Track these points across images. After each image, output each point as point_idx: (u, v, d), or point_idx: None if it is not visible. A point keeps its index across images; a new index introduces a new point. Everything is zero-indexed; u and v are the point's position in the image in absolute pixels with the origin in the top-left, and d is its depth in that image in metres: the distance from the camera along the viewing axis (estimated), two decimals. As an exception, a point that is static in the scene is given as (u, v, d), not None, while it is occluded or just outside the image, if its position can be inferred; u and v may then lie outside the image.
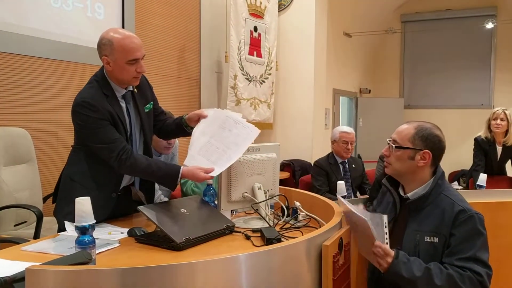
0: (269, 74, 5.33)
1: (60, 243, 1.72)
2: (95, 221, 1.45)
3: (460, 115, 7.91)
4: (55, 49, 3.35)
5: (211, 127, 2.11)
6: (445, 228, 1.68)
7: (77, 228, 1.41)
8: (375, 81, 8.99)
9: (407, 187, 1.84)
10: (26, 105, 3.18)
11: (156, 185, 2.73)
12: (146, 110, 2.19)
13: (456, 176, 5.30)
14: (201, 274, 1.28)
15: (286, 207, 2.08)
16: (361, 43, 8.08)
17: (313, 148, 5.55)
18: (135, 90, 2.13)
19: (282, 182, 3.91)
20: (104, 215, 2.00)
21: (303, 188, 3.65)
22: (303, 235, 1.76)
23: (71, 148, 2.13)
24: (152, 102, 2.23)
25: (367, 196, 2.91)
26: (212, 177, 1.98)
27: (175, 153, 3.06)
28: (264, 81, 5.25)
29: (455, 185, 4.97)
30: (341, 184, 2.88)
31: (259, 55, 5.18)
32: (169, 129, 2.30)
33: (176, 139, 3.00)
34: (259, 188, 2.09)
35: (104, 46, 1.97)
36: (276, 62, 5.44)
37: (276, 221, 2.01)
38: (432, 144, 1.78)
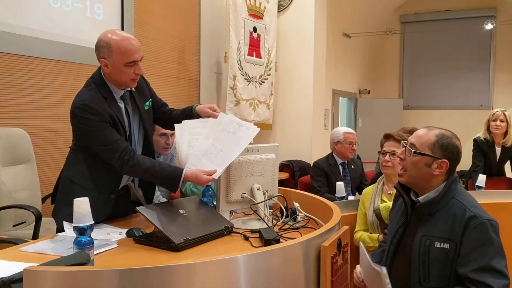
0: (269, 74, 5.33)
1: (58, 243, 1.71)
2: (93, 222, 1.45)
3: (459, 116, 7.92)
4: (54, 50, 3.35)
5: (213, 131, 2.11)
6: (456, 234, 1.64)
7: (75, 228, 1.42)
8: (374, 81, 9.00)
9: (420, 193, 1.81)
10: (25, 106, 3.17)
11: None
12: (146, 108, 2.19)
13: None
14: (200, 275, 1.28)
15: (285, 208, 2.08)
16: (360, 43, 8.09)
17: (312, 149, 5.55)
18: (133, 89, 2.13)
19: (281, 182, 3.91)
20: (103, 216, 2.00)
21: (302, 188, 3.65)
22: (301, 236, 1.76)
23: (70, 149, 2.13)
24: (151, 99, 2.23)
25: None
26: (214, 179, 1.98)
27: (174, 154, 3.05)
28: (263, 82, 5.25)
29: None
30: (340, 185, 2.90)
31: (259, 55, 5.18)
32: (177, 120, 2.24)
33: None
34: (258, 189, 2.09)
35: (102, 48, 1.95)
36: (276, 62, 5.44)
37: (275, 222, 2.01)
38: (451, 154, 1.74)
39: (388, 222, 2.11)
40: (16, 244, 1.84)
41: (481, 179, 3.34)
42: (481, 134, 4.19)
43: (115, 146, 1.94)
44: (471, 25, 8.01)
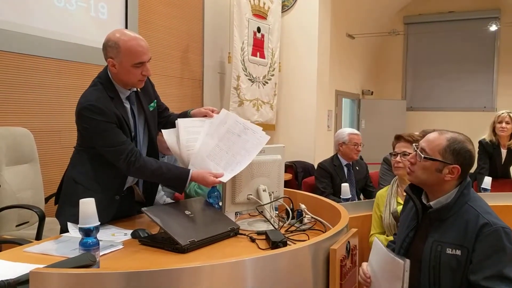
0: (272, 75, 5.31)
1: (63, 244, 1.70)
2: (99, 223, 1.43)
3: (463, 117, 7.89)
4: (58, 49, 3.33)
5: (218, 131, 2.09)
6: (469, 241, 1.61)
7: (81, 229, 1.40)
8: (377, 83, 8.98)
9: (431, 196, 1.77)
10: (29, 105, 3.16)
11: (159, 186, 2.72)
12: (151, 109, 2.17)
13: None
14: (207, 278, 1.26)
15: (291, 209, 2.06)
16: (364, 44, 8.07)
17: (316, 150, 5.53)
18: (139, 89, 2.11)
19: (285, 183, 3.88)
20: (107, 217, 1.98)
21: (307, 190, 3.63)
22: (308, 238, 1.74)
23: (74, 149, 2.11)
24: (155, 100, 2.21)
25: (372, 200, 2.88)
26: (220, 182, 1.96)
27: None
28: (267, 82, 5.24)
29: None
30: (345, 186, 2.87)
31: (262, 56, 5.17)
32: (173, 125, 2.26)
33: None
34: (264, 190, 2.07)
35: (110, 48, 1.93)
36: (279, 63, 5.42)
37: (281, 223, 1.99)
38: (463, 159, 1.68)
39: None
40: (20, 244, 1.83)
41: (487, 181, 3.31)
42: (486, 136, 4.16)
43: (121, 148, 1.92)
44: (475, 26, 7.98)
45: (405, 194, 2.48)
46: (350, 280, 1.51)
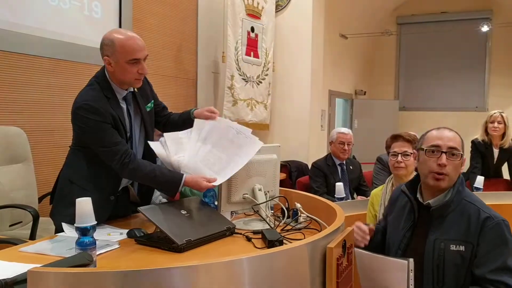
0: (266, 75, 5.32)
1: (58, 244, 1.69)
2: (96, 222, 1.43)
3: (455, 117, 7.93)
4: (52, 48, 3.31)
5: (212, 136, 2.08)
6: (472, 236, 1.65)
7: (78, 229, 1.39)
8: (370, 83, 9.01)
9: (429, 194, 1.79)
10: (22, 104, 3.14)
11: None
12: (148, 110, 2.17)
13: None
14: (204, 277, 1.26)
15: (286, 208, 2.07)
16: (357, 44, 8.09)
17: (309, 149, 5.54)
18: (136, 90, 2.11)
19: (279, 183, 3.89)
20: (103, 217, 1.97)
21: (301, 189, 3.63)
22: (304, 237, 1.75)
23: (69, 148, 2.11)
24: (153, 101, 2.21)
25: (366, 198, 2.90)
26: (214, 186, 1.97)
27: None
28: (261, 82, 5.24)
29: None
30: (339, 185, 2.88)
31: (256, 55, 5.17)
32: (175, 124, 2.26)
33: None
34: (260, 190, 2.07)
35: (106, 46, 1.94)
36: (273, 63, 5.43)
37: (276, 223, 2.00)
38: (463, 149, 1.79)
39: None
40: (15, 244, 1.82)
41: (479, 180, 3.34)
42: (479, 136, 4.19)
43: (116, 148, 1.92)
44: (467, 27, 8.04)
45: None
46: (346, 279, 1.52)
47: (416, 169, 2.09)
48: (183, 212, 1.84)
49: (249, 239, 1.78)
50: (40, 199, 3.01)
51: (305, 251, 1.42)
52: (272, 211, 2.20)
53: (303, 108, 5.51)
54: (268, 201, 2.07)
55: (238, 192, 2.04)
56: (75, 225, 1.40)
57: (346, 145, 3.76)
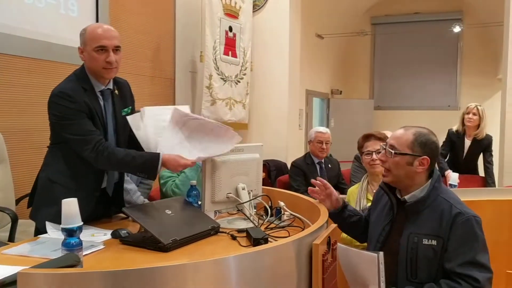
0: (244, 74, 5.33)
1: (42, 246, 1.67)
2: (82, 223, 1.42)
3: (428, 116, 8.12)
4: (27, 47, 3.24)
5: (189, 124, 2.06)
6: (444, 231, 1.70)
7: (64, 230, 1.38)
8: (346, 82, 9.13)
9: (404, 191, 1.85)
10: (-3, 104, 3.07)
11: (134, 186, 2.70)
12: (123, 114, 2.14)
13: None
14: (192, 276, 1.28)
15: (269, 207, 2.09)
16: (333, 44, 8.19)
17: (288, 149, 5.58)
18: (116, 92, 2.10)
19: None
20: (85, 215, 1.95)
21: (281, 188, 3.66)
22: (289, 234, 1.78)
23: (48, 148, 2.08)
24: (130, 107, 2.19)
25: (345, 196, 2.94)
26: (193, 163, 1.95)
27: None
28: (239, 81, 5.25)
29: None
30: (319, 184, 2.92)
31: (234, 55, 5.18)
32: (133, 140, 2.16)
33: None
34: (243, 189, 2.09)
35: (81, 36, 1.99)
36: (251, 62, 5.45)
37: (260, 221, 2.02)
38: (430, 150, 1.80)
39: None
40: (-5, 247, 1.78)
41: (454, 177, 3.45)
42: (456, 127, 4.37)
43: (90, 137, 1.90)
44: (439, 27, 8.24)
45: (375, 191, 2.57)
46: (331, 274, 1.56)
47: None
48: (168, 212, 1.84)
49: (234, 238, 1.80)
50: (18, 201, 2.95)
51: (291, 248, 1.45)
52: (255, 210, 2.22)
53: (281, 108, 5.55)
54: (252, 200, 2.09)
55: (221, 192, 2.06)
56: (61, 226, 1.38)
57: (324, 144, 3.82)
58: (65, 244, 1.38)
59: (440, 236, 1.71)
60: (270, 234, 1.80)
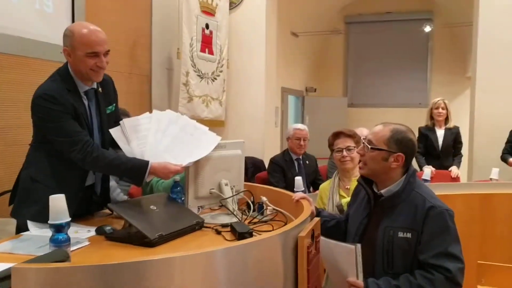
0: (221, 71, 5.34)
1: (26, 243, 1.66)
2: (70, 219, 1.43)
3: (400, 113, 8.27)
4: (0, 42, 3.18)
5: (171, 129, 2.10)
6: (418, 224, 1.77)
7: (52, 226, 1.38)
8: (320, 80, 9.24)
9: (381, 185, 1.91)
10: (-30, 101, 3.00)
11: (114, 183, 2.68)
12: (108, 112, 2.14)
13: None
14: (180, 269, 1.30)
15: (252, 202, 2.13)
16: (307, 42, 8.28)
17: (265, 146, 5.62)
18: (100, 89, 2.09)
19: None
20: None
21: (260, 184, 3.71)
22: (273, 228, 1.82)
23: (30, 146, 2.05)
24: (114, 105, 2.19)
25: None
26: (183, 169, 1.97)
27: None
28: (215, 78, 5.26)
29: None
30: (298, 180, 2.95)
31: (211, 52, 5.18)
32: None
33: None
34: (226, 184, 2.12)
35: (66, 37, 1.94)
36: (227, 59, 5.46)
37: (244, 216, 2.05)
38: (405, 148, 1.86)
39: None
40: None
41: (427, 172, 3.56)
42: (424, 122, 4.54)
43: (77, 138, 1.89)
44: (410, 27, 8.43)
45: (347, 187, 2.64)
46: (315, 266, 1.60)
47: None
48: (153, 208, 1.86)
49: (218, 232, 1.83)
50: (-7, 200, 2.90)
51: (278, 241, 1.48)
52: (237, 205, 2.25)
53: (257, 105, 5.58)
54: (235, 195, 2.12)
55: (204, 187, 2.08)
56: (49, 222, 1.38)
57: (302, 141, 3.89)
58: (53, 240, 1.38)
59: (414, 229, 1.77)
60: (254, 229, 1.83)
